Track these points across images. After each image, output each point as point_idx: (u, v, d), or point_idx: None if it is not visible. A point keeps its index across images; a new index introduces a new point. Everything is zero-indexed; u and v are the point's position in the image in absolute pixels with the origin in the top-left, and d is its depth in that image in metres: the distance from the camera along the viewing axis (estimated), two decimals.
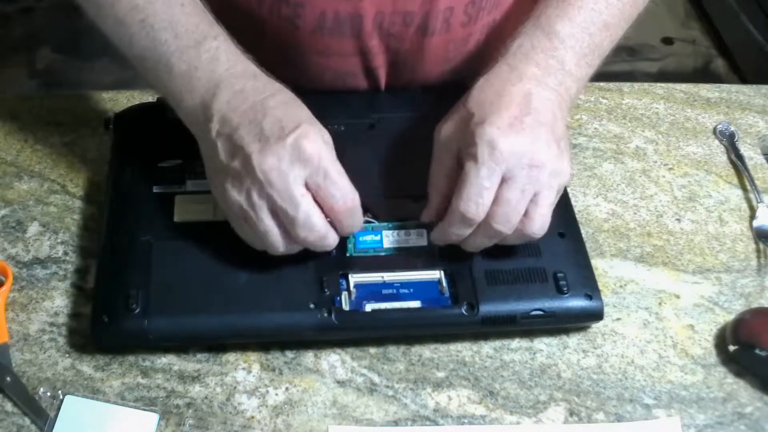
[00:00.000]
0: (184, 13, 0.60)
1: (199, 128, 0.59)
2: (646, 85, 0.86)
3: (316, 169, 0.55)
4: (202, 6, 0.62)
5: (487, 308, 0.60)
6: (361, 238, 0.64)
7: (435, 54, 0.73)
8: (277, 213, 0.56)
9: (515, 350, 0.63)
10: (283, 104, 0.58)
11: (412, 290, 0.62)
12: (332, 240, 0.58)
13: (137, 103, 0.74)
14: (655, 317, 0.66)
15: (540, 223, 0.58)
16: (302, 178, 0.55)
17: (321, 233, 0.57)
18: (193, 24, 0.60)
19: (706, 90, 0.86)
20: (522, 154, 0.56)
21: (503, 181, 0.57)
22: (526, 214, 0.58)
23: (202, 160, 0.66)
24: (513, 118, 0.57)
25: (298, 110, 0.58)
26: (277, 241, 0.57)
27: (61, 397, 0.57)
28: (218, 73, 0.59)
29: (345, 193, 0.57)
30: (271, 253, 0.59)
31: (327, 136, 0.57)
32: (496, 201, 0.57)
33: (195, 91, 0.59)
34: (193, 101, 0.59)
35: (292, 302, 0.59)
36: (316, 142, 0.55)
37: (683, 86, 0.86)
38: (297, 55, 0.72)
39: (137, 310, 0.58)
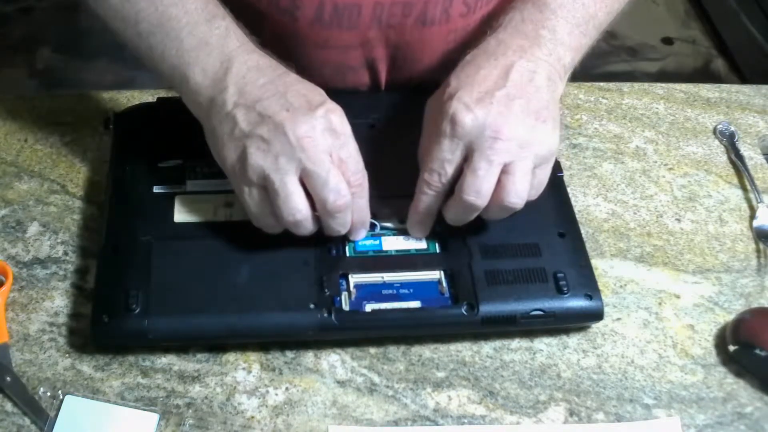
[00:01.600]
0: None
1: (209, 103, 0.59)
2: (646, 85, 0.86)
3: (342, 143, 0.57)
4: None
5: (487, 308, 0.60)
6: (360, 242, 0.64)
7: (435, 45, 0.73)
8: (305, 178, 0.57)
9: (515, 350, 0.63)
10: (299, 81, 0.59)
11: (412, 290, 0.62)
12: (349, 218, 0.60)
13: (137, 103, 0.74)
14: (655, 317, 0.66)
15: (514, 191, 0.58)
16: (329, 148, 0.57)
17: (348, 200, 0.58)
18: (202, 3, 0.61)
19: (706, 90, 0.86)
20: (484, 127, 0.57)
21: (469, 153, 0.58)
22: (500, 184, 0.58)
23: (203, 160, 0.66)
24: (483, 93, 0.59)
25: (316, 88, 0.60)
26: (298, 203, 0.57)
27: (61, 397, 0.57)
28: (230, 48, 0.59)
29: (361, 169, 0.59)
30: (284, 224, 0.59)
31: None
32: (464, 174, 0.59)
33: (207, 64, 0.59)
34: (204, 75, 0.59)
35: (292, 302, 0.59)
36: (343, 118, 0.58)
37: (683, 86, 0.86)
38: (296, 49, 0.72)
39: (137, 310, 0.58)
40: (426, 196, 0.61)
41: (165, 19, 0.60)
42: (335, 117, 0.57)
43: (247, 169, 0.57)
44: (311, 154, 0.56)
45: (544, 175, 0.61)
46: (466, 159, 0.59)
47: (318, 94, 0.59)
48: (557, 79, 0.62)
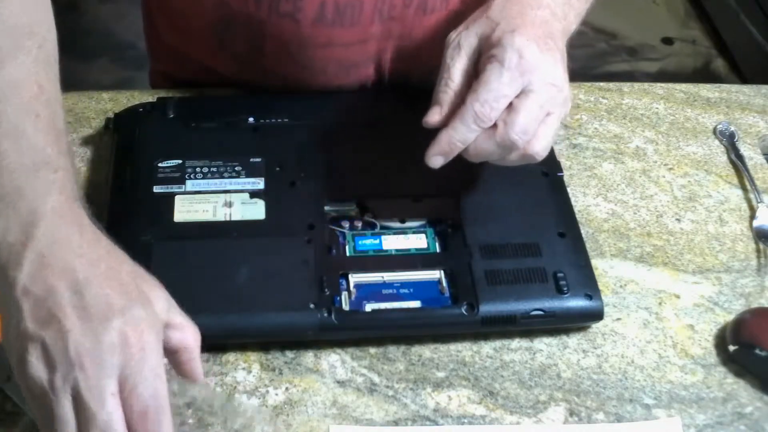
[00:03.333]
0: (36, 127, 0.50)
1: (1, 270, 0.47)
2: (646, 85, 0.86)
3: (136, 365, 0.46)
4: (59, 125, 0.52)
5: (487, 308, 0.60)
6: (360, 242, 0.64)
7: (436, 31, 0.73)
8: (76, 404, 0.45)
9: (515, 350, 0.63)
10: (111, 274, 0.48)
11: (412, 290, 0.62)
12: None
13: (137, 103, 0.74)
14: (655, 317, 0.66)
15: (545, 143, 0.58)
16: (118, 369, 0.45)
17: None
18: (41, 143, 0.50)
19: (706, 90, 0.86)
20: (547, 72, 0.57)
21: (524, 92, 0.57)
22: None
23: (203, 160, 0.66)
24: (538, 36, 0.58)
25: (129, 282, 0.48)
26: None
27: None
28: (42, 209, 0.48)
29: (160, 404, 0.47)
30: None
31: (159, 321, 0.49)
32: (516, 110, 0.57)
33: (9, 222, 0.47)
34: (2, 234, 0.47)
35: (292, 302, 0.59)
36: (145, 331, 0.46)
37: (683, 86, 0.86)
38: (299, 51, 0.72)
39: None
40: (466, 128, 0.57)
41: None
42: (132, 330, 0.46)
43: (26, 379, 0.46)
44: (89, 377, 0.44)
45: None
46: (517, 97, 0.57)
47: (125, 293, 0.47)
48: (565, 43, 0.62)
